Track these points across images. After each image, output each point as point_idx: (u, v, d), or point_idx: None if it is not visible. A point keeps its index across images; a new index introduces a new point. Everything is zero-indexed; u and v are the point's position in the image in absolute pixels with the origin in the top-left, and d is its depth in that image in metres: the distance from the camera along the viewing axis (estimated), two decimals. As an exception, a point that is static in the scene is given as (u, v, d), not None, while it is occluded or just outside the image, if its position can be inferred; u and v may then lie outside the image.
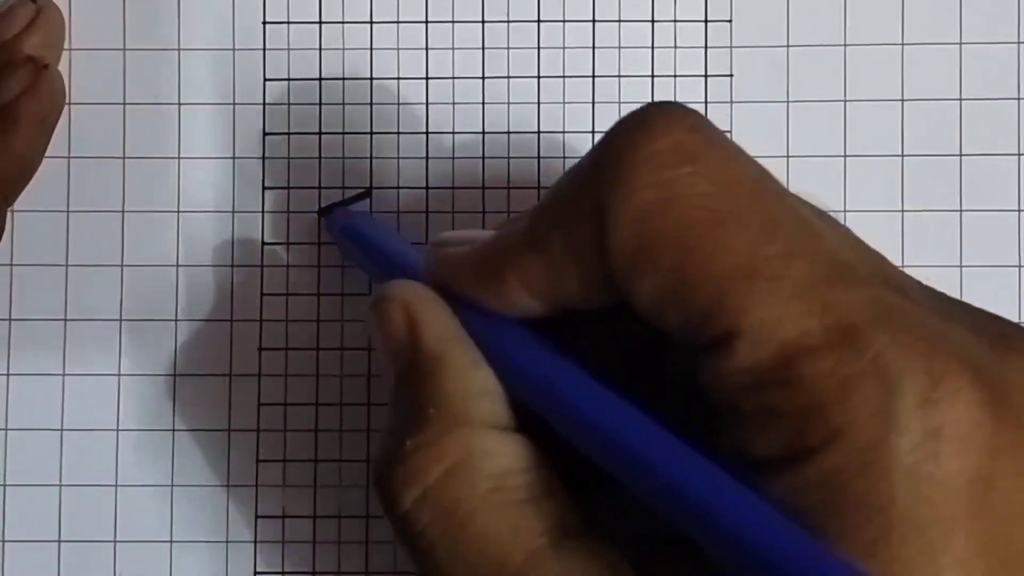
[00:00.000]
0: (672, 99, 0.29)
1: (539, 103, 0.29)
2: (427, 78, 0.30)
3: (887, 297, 0.18)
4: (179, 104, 0.30)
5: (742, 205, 0.19)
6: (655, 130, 0.19)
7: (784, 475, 0.18)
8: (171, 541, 0.29)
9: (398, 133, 0.29)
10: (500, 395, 0.22)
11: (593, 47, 0.29)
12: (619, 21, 0.29)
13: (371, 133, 0.30)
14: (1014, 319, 0.29)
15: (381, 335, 0.23)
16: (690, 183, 0.19)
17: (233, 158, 0.29)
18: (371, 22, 0.30)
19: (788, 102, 0.29)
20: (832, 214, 0.21)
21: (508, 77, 0.29)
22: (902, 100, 0.29)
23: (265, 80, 0.30)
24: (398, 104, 0.30)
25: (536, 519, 0.20)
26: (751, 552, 0.17)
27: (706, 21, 0.29)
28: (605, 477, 0.20)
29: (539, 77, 0.29)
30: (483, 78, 0.29)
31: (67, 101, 0.29)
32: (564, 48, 0.29)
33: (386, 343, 0.23)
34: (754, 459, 0.18)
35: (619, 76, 0.29)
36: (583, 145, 0.29)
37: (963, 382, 0.17)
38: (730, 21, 0.29)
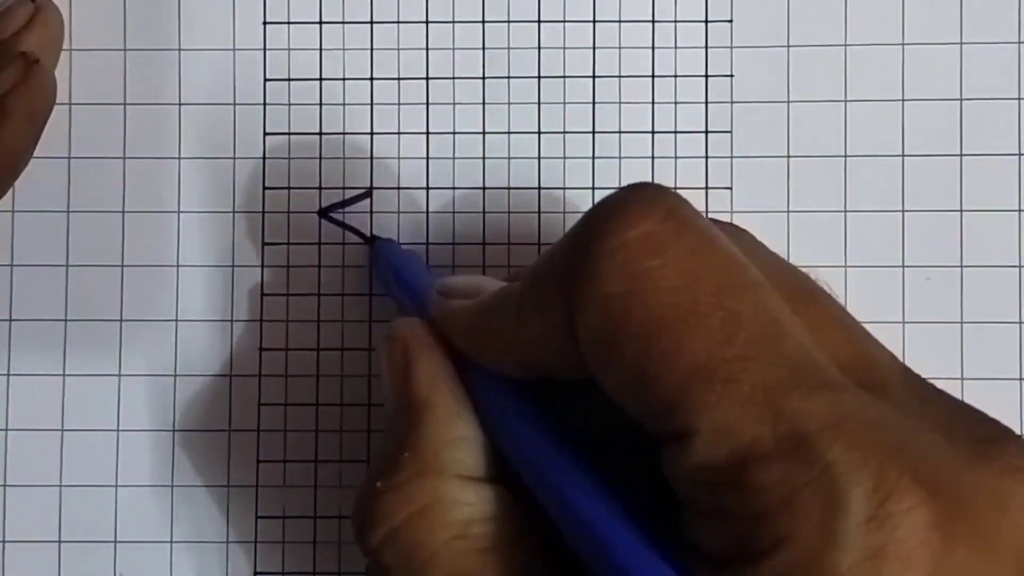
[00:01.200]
0: (673, 99, 0.29)
1: (539, 103, 0.29)
2: (427, 78, 0.30)
3: (848, 403, 0.18)
4: (179, 104, 0.30)
5: (704, 302, 0.19)
6: (628, 218, 0.19)
7: (733, 573, 0.18)
8: (171, 541, 0.29)
9: (399, 133, 0.29)
10: (479, 444, 0.22)
11: (593, 47, 0.29)
12: (619, 22, 0.29)
13: (371, 134, 0.30)
14: (1014, 319, 0.29)
15: (386, 368, 0.24)
16: (656, 277, 0.19)
17: (233, 158, 0.29)
18: (371, 22, 0.30)
19: (788, 102, 0.29)
20: (822, 287, 0.21)
21: (508, 78, 0.29)
22: (902, 100, 0.29)
23: (265, 80, 0.30)
24: (398, 104, 0.29)
25: (497, 568, 0.21)
26: None
27: (706, 21, 0.29)
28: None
29: (539, 78, 0.29)
30: (483, 79, 0.29)
31: (69, 101, 0.30)
32: (564, 48, 0.29)
33: (388, 376, 0.24)
34: (704, 553, 0.19)
35: (619, 76, 0.29)
36: (584, 145, 0.29)
37: (914, 500, 0.17)
38: (730, 21, 0.29)
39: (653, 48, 0.29)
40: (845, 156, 0.29)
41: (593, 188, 0.29)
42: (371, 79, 0.30)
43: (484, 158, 0.29)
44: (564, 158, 0.29)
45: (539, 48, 0.29)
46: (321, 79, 0.30)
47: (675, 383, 0.18)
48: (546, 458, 0.21)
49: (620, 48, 0.29)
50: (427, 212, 0.29)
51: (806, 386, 0.18)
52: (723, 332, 0.18)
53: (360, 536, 0.22)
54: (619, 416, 0.20)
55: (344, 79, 0.30)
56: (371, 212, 0.29)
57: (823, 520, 0.17)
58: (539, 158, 0.29)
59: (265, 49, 0.30)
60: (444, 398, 0.23)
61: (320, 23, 0.30)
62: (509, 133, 0.29)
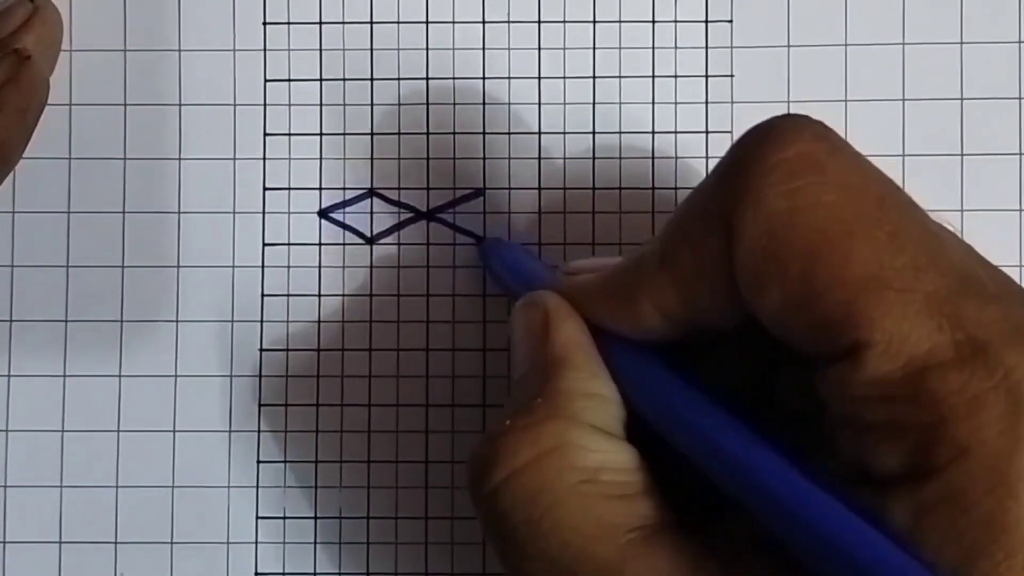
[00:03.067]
0: (673, 99, 0.29)
1: (540, 104, 0.29)
2: (427, 79, 0.30)
3: (1019, 313, 0.18)
4: (180, 105, 0.30)
5: (870, 215, 0.19)
6: (782, 140, 0.19)
7: (906, 492, 0.18)
8: (172, 542, 0.29)
9: (399, 134, 0.29)
10: (614, 405, 0.22)
11: (594, 47, 0.29)
12: (620, 22, 0.29)
13: (372, 134, 0.30)
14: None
15: (521, 334, 0.23)
16: (818, 192, 0.19)
17: (234, 159, 0.29)
18: (371, 22, 0.30)
19: (789, 102, 0.29)
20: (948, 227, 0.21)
21: (509, 78, 0.29)
22: (902, 100, 0.29)
23: (266, 80, 0.30)
24: (399, 104, 0.29)
25: (627, 515, 0.20)
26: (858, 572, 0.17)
27: (707, 21, 0.29)
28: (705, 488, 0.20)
29: (540, 78, 0.29)
30: (483, 79, 0.29)
31: (69, 102, 0.29)
32: (564, 49, 0.29)
33: (523, 342, 0.23)
34: (875, 473, 0.18)
35: (619, 77, 0.29)
36: (584, 145, 0.29)
37: None
38: (731, 21, 0.29)
39: (653, 48, 0.29)
40: (845, 156, 0.29)
41: (593, 188, 0.29)
42: (371, 79, 0.30)
43: (484, 158, 0.29)
44: (564, 158, 0.29)
45: (539, 48, 0.29)
46: (321, 79, 0.30)
47: (845, 296, 0.18)
48: (693, 408, 0.21)
49: (620, 48, 0.29)
50: (428, 212, 0.29)
51: (977, 296, 0.18)
52: (891, 243, 0.18)
53: (478, 478, 0.21)
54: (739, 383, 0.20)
55: (344, 79, 0.30)
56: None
57: (1009, 425, 0.17)
58: (539, 159, 0.29)
59: (265, 49, 0.30)
60: (582, 358, 0.22)
61: (320, 23, 0.30)
62: (509, 134, 0.29)
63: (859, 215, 0.19)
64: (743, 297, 0.20)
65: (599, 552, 0.20)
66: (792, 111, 0.29)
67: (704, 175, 0.29)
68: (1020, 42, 0.29)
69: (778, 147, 0.19)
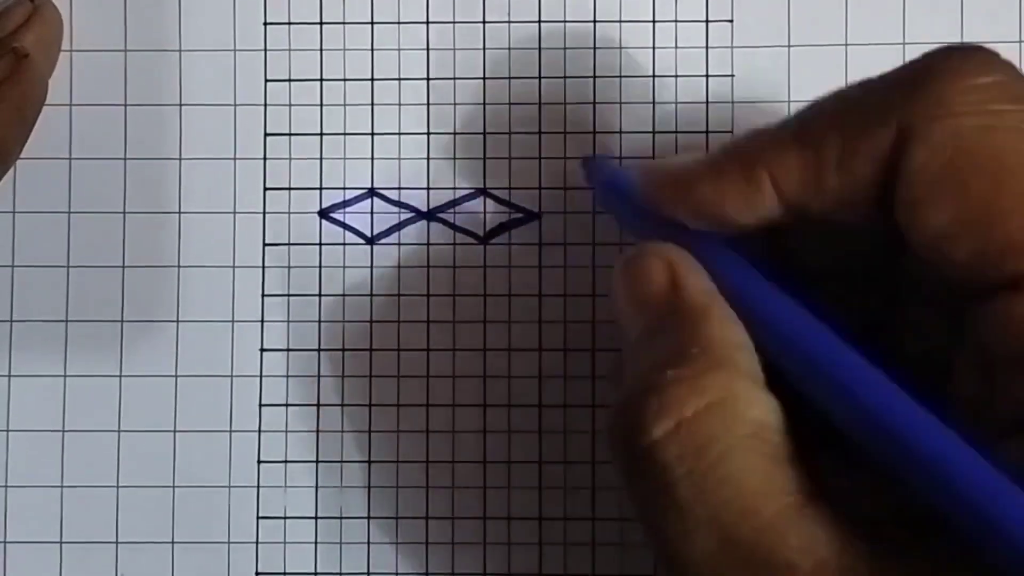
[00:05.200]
0: (674, 99, 0.29)
1: (540, 104, 0.29)
2: (428, 79, 0.30)
3: None
4: (180, 105, 0.30)
5: None
6: (982, 64, 0.19)
7: None
8: (172, 542, 0.29)
9: (399, 134, 0.29)
10: (756, 357, 0.21)
11: (594, 47, 0.29)
12: (620, 22, 0.29)
13: (372, 134, 0.30)
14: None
15: (635, 287, 0.22)
16: (1016, 120, 0.18)
17: (234, 159, 0.29)
18: (372, 22, 0.30)
19: (789, 102, 0.29)
20: None
21: (509, 78, 0.29)
22: (903, 100, 0.29)
23: (266, 81, 0.30)
24: (399, 105, 0.29)
25: (788, 477, 0.19)
26: (1002, 527, 0.17)
27: (707, 21, 0.29)
28: (842, 454, 0.20)
29: (540, 78, 0.29)
30: (484, 79, 0.29)
31: (69, 102, 0.29)
32: (565, 48, 0.29)
33: (640, 295, 0.22)
34: (1005, 416, 0.18)
35: (620, 77, 0.29)
36: (585, 145, 0.29)
37: None
38: (731, 21, 0.29)
39: (653, 48, 0.29)
40: (846, 156, 0.29)
41: (594, 189, 0.29)
42: (371, 79, 0.30)
43: (485, 158, 0.29)
44: (564, 158, 0.29)
45: (539, 48, 0.29)
46: (322, 79, 0.30)
47: None
48: (827, 352, 0.20)
49: (620, 48, 0.29)
50: (429, 211, 0.29)
51: None
52: None
53: (635, 431, 0.20)
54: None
55: (344, 79, 0.30)
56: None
57: None
58: (540, 158, 0.29)
59: (266, 49, 0.30)
60: (722, 307, 0.21)
61: (320, 23, 0.30)
62: (510, 134, 0.29)
63: None
64: (900, 212, 0.19)
65: (764, 511, 0.19)
66: (792, 111, 0.29)
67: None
68: (1020, 42, 0.29)
69: (978, 69, 0.19)
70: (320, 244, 0.29)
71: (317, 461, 0.29)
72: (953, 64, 0.19)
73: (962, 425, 0.18)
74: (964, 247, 0.18)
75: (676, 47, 0.29)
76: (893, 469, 0.19)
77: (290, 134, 0.30)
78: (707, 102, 0.29)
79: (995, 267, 0.18)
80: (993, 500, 0.17)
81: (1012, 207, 0.18)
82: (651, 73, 0.29)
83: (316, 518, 0.29)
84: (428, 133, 0.29)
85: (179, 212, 0.29)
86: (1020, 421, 0.18)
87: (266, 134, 0.30)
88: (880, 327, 0.22)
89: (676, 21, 0.29)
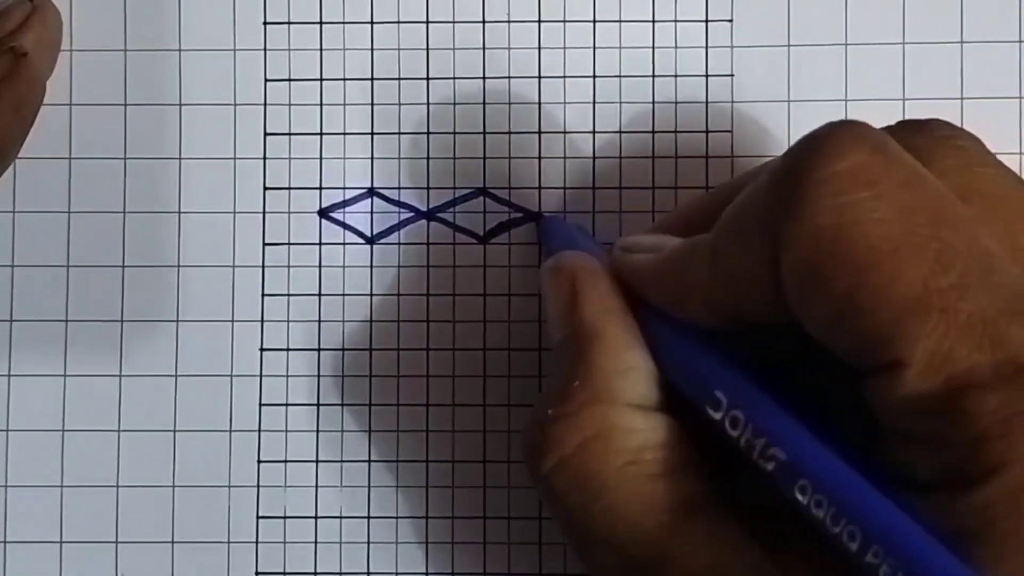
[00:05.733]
0: (673, 99, 0.29)
1: (540, 104, 0.29)
2: (428, 79, 0.30)
3: None
4: (180, 105, 0.30)
5: (919, 233, 0.19)
6: (836, 151, 0.19)
7: (942, 499, 0.18)
8: (173, 542, 0.29)
9: (399, 134, 0.29)
10: (650, 374, 0.22)
11: (594, 47, 0.29)
12: (620, 21, 0.29)
13: (372, 134, 0.30)
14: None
15: (550, 300, 0.24)
16: (867, 208, 0.19)
17: (234, 158, 0.29)
18: (372, 22, 0.30)
19: (789, 101, 0.29)
20: None
21: (509, 78, 0.29)
22: (903, 100, 0.29)
23: (266, 80, 0.30)
24: (399, 104, 0.29)
25: (669, 493, 0.21)
26: (903, 562, 0.18)
27: (707, 21, 0.29)
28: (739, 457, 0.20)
29: (540, 78, 0.29)
30: (484, 78, 0.29)
31: (69, 102, 0.29)
32: (565, 48, 0.29)
33: (553, 308, 0.24)
34: (913, 480, 0.19)
35: (620, 76, 0.29)
36: (585, 145, 0.29)
37: None
38: (731, 21, 0.29)
39: (653, 48, 0.29)
40: (845, 156, 0.29)
41: (593, 188, 0.29)
42: (371, 79, 0.30)
43: (485, 158, 0.29)
44: (565, 158, 0.29)
45: (539, 48, 0.29)
46: (321, 79, 0.30)
47: (888, 315, 0.18)
48: (730, 383, 0.21)
49: (620, 48, 0.29)
50: (428, 211, 0.29)
51: (1023, 315, 0.18)
52: (939, 262, 0.18)
53: (531, 463, 0.22)
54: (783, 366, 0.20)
55: (344, 79, 0.30)
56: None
57: None
58: (540, 158, 0.29)
59: (265, 49, 0.30)
60: (613, 328, 0.23)
61: (320, 23, 0.30)
62: (510, 133, 0.29)
63: (908, 232, 0.19)
64: (789, 305, 0.20)
65: (646, 530, 0.21)
66: (792, 111, 0.29)
67: (704, 175, 0.29)
68: (1020, 42, 0.29)
69: (831, 159, 0.19)
70: (320, 244, 0.29)
71: (317, 461, 0.29)
72: (808, 157, 0.19)
73: (887, 484, 0.19)
74: (838, 340, 0.19)
75: (676, 47, 0.29)
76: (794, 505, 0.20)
77: (290, 134, 0.30)
78: (707, 102, 0.29)
79: (864, 356, 0.19)
80: (876, 521, 0.18)
81: (868, 305, 0.18)
82: (651, 73, 0.29)
83: (316, 518, 0.29)
84: (428, 133, 0.29)
85: (179, 212, 0.29)
86: (895, 476, 0.19)
87: (266, 134, 0.30)
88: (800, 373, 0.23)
89: (676, 21, 0.29)
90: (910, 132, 0.22)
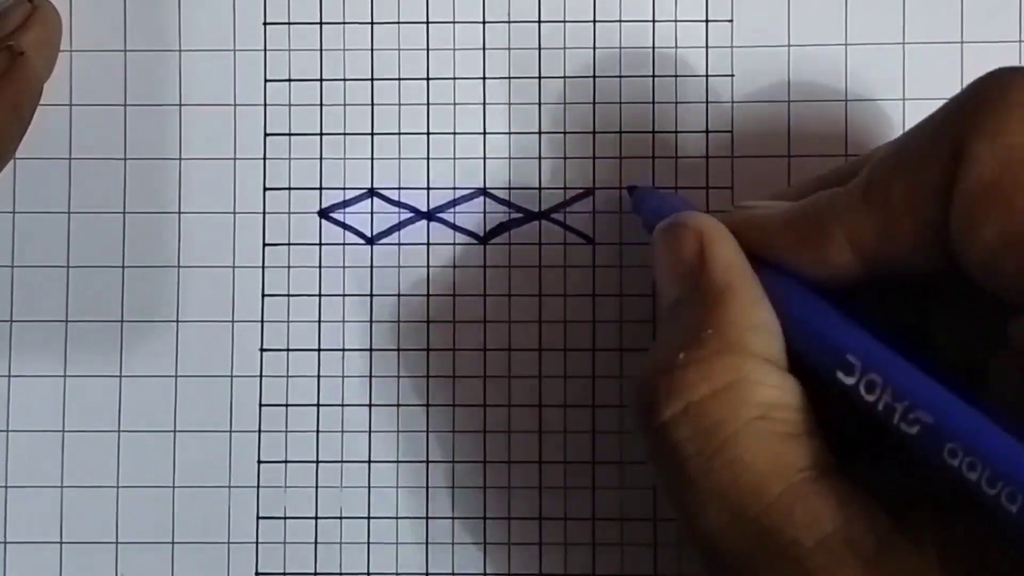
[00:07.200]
0: (673, 99, 0.29)
1: (540, 104, 0.29)
2: (428, 79, 0.30)
3: None
4: (180, 105, 0.30)
5: None
6: None
7: None
8: (173, 542, 0.29)
9: (399, 134, 0.29)
10: (778, 335, 0.22)
11: (594, 47, 0.29)
12: (620, 21, 0.29)
13: (372, 134, 0.30)
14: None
15: (669, 257, 0.23)
16: None
17: (234, 159, 0.29)
18: (372, 23, 0.30)
19: (789, 101, 0.29)
20: None
21: (509, 78, 0.29)
22: (903, 100, 0.29)
23: (266, 81, 0.30)
24: (399, 104, 0.29)
25: (798, 454, 0.20)
26: None
27: (707, 21, 0.29)
28: (864, 432, 0.20)
29: (540, 78, 0.29)
30: (484, 79, 0.29)
31: (69, 102, 0.29)
32: (565, 48, 0.29)
33: (673, 266, 0.23)
34: None
35: (620, 77, 0.29)
36: (585, 146, 0.29)
37: None
38: (731, 21, 0.29)
39: (653, 48, 0.29)
40: (846, 156, 0.29)
41: (594, 188, 0.29)
42: (371, 79, 0.30)
43: (485, 158, 0.29)
44: (564, 158, 0.29)
45: (539, 48, 0.29)
46: (321, 79, 0.30)
47: None
48: (864, 346, 0.20)
49: (620, 48, 0.29)
50: (428, 212, 0.29)
51: None
52: None
53: (649, 410, 0.21)
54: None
55: (344, 79, 0.30)
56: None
57: None
58: (539, 158, 0.29)
59: (265, 49, 0.30)
60: (746, 284, 0.22)
61: (320, 23, 0.30)
62: (510, 134, 0.29)
63: None
64: (953, 231, 0.19)
65: (770, 489, 0.20)
66: (792, 111, 0.29)
67: (704, 175, 0.29)
68: (1020, 42, 0.29)
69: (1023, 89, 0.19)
70: (320, 244, 0.29)
71: (317, 461, 0.29)
72: (999, 85, 0.19)
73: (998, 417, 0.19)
74: (1007, 265, 0.19)
75: (676, 47, 0.29)
76: (924, 452, 0.19)
77: (290, 134, 0.30)
78: (707, 102, 0.29)
79: None
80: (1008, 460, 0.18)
81: None
82: (651, 73, 0.29)
83: (316, 518, 0.29)
84: (428, 133, 0.29)
85: (179, 212, 0.29)
86: None
87: (266, 134, 0.30)
88: (916, 336, 0.23)
89: (676, 21, 0.29)
90: None
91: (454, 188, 0.29)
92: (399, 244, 0.29)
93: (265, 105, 0.30)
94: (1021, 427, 0.18)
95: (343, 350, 0.29)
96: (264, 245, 0.29)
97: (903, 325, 0.22)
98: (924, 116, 0.21)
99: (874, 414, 0.20)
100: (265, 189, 0.30)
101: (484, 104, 0.29)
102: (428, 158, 0.29)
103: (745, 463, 0.20)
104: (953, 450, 0.19)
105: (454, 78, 0.29)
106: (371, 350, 0.29)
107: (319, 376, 0.29)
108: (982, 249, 0.19)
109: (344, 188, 0.30)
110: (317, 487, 0.29)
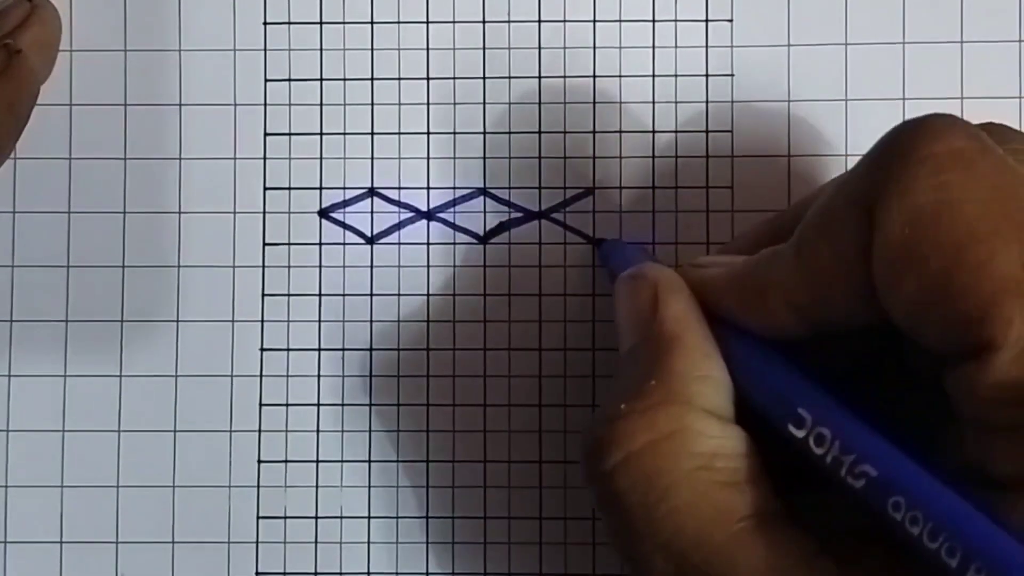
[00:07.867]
0: (673, 99, 0.29)
1: (540, 103, 0.29)
2: (428, 78, 0.30)
3: None
4: (180, 105, 0.30)
5: (1015, 216, 0.19)
6: (933, 135, 0.19)
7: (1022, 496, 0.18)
8: (173, 542, 0.29)
9: (399, 134, 0.29)
10: (725, 387, 0.22)
11: (594, 47, 0.29)
12: (620, 21, 0.29)
13: (372, 134, 0.30)
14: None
15: (626, 308, 0.23)
16: (966, 188, 0.19)
17: (234, 159, 0.29)
18: (372, 22, 0.30)
19: (789, 101, 0.29)
20: None
21: (509, 78, 0.29)
22: (903, 100, 0.29)
23: (266, 80, 0.30)
24: (399, 104, 0.29)
25: (740, 503, 0.20)
26: (987, 564, 0.17)
27: (707, 21, 0.29)
28: (811, 475, 0.20)
29: (540, 77, 0.29)
30: (484, 78, 0.29)
31: (69, 102, 0.30)
32: (565, 48, 0.29)
33: (628, 316, 0.23)
34: (995, 475, 0.18)
35: (620, 76, 0.29)
36: (585, 146, 0.29)
37: None
38: (731, 21, 0.29)
39: (653, 48, 0.29)
40: (846, 155, 0.29)
41: (594, 188, 0.29)
42: (371, 79, 0.30)
43: (485, 158, 0.29)
44: (565, 158, 0.29)
45: (539, 48, 0.29)
46: (322, 79, 0.30)
47: (982, 295, 0.18)
48: (814, 400, 0.21)
49: (620, 48, 0.29)
50: (428, 212, 0.29)
51: None
52: None
53: (593, 459, 0.21)
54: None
55: (344, 79, 0.30)
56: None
57: None
58: (540, 158, 0.29)
59: (266, 49, 0.30)
60: (694, 336, 0.22)
61: (320, 23, 0.30)
62: (510, 133, 0.29)
63: (1005, 215, 0.18)
64: (877, 290, 0.20)
65: (713, 538, 0.20)
66: (792, 111, 0.29)
67: (704, 175, 0.29)
68: (1020, 42, 0.29)
69: (929, 141, 0.19)
70: (320, 244, 0.29)
71: (317, 461, 0.29)
72: (906, 139, 0.20)
73: (958, 483, 0.19)
74: (927, 322, 0.19)
75: (676, 46, 0.29)
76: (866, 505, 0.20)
77: (290, 134, 0.30)
78: (707, 101, 0.29)
79: (953, 340, 0.19)
80: (953, 522, 0.18)
81: (964, 284, 0.18)
82: (651, 73, 0.29)
83: (316, 518, 0.29)
84: (428, 133, 0.29)
85: (179, 212, 0.29)
86: (973, 475, 0.19)
87: (266, 134, 0.30)
88: (872, 376, 0.23)
89: (676, 20, 0.29)
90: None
91: (454, 188, 0.29)
92: (399, 244, 0.29)
93: (265, 105, 0.30)
94: (965, 482, 0.19)
95: (343, 350, 0.29)
96: (264, 245, 0.29)
97: (859, 365, 0.23)
98: (846, 170, 0.21)
99: (822, 467, 0.20)
100: (265, 189, 0.30)
101: (484, 104, 0.29)
102: (428, 158, 0.29)
103: (687, 513, 0.20)
104: (897, 503, 0.19)
105: (454, 78, 0.29)
106: (371, 350, 0.29)
107: (319, 376, 0.29)
108: (904, 307, 0.19)
109: (344, 188, 0.30)
110: (317, 487, 0.29)
